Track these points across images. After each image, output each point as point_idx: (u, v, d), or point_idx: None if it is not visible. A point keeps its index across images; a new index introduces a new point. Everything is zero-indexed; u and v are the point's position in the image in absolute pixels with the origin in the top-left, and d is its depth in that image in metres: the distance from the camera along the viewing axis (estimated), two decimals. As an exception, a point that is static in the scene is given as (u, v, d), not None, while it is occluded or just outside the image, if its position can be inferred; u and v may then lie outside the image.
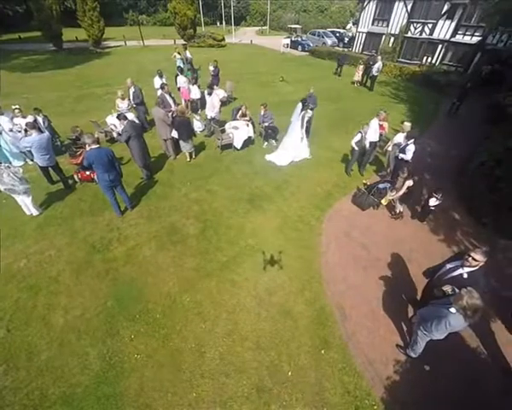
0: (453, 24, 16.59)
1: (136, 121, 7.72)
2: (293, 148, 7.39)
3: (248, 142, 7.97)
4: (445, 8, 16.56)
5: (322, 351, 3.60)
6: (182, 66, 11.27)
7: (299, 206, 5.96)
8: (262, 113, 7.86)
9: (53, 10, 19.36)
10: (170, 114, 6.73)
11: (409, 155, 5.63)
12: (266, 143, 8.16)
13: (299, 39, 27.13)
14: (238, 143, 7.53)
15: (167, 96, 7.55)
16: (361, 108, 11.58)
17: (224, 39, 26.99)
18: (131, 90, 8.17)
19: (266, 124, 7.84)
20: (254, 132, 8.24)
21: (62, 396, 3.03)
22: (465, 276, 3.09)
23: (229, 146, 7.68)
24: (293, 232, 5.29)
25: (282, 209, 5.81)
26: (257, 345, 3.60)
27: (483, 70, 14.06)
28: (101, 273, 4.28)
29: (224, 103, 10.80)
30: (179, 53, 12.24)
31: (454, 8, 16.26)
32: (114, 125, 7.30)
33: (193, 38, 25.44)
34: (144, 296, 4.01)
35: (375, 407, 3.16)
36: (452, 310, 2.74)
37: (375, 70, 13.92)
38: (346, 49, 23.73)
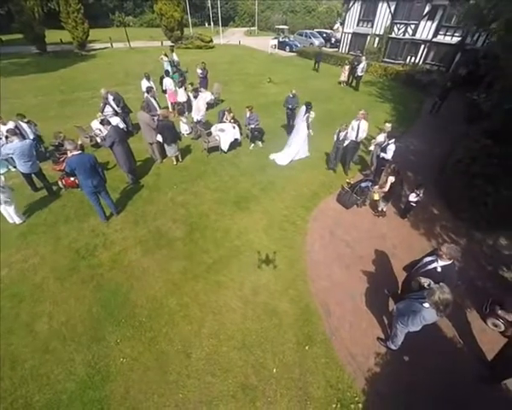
0: (434, 25, 17.07)
1: (122, 125, 7.67)
2: (297, 148, 7.64)
3: (235, 144, 8.04)
4: (427, 9, 17.02)
5: (307, 347, 3.70)
6: (169, 68, 11.21)
7: (285, 206, 6.07)
8: (248, 115, 7.94)
9: (35, 12, 18.93)
10: (156, 118, 6.72)
11: (389, 155, 5.82)
12: (253, 144, 8.25)
13: (287, 40, 27.34)
14: (225, 146, 7.59)
15: (152, 100, 7.54)
16: (347, 108, 11.78)
17: (211, 40, 26.95)
18: (110, 98, 7.93)
19: (252, 126, 7.93)
20: (241, 134, 8.32)
21: (47, 404, 3.04)
22: (439, 269, 3.26)
23: (216, 148, 7.73)
24: (278, 232, 5.39)
25: (268, 210, 5.91)
26: (242, 344, 3.68)
27: (460, 70, 14.54)
28: (86, 279, 4.27)
29: (211, 106, 10.86)
30: (166, 55, 12.18)
31: (435, 10, 16.74)
32: (100, 130, 7.24)
33: (180, 40, 25.32)
34: (130, 301, 4.03)
35: (357, 399, 3.28)
36: (426, 305, 2.89)
37: (359, 70, 14.21)
38: (329, 50, 24.14)
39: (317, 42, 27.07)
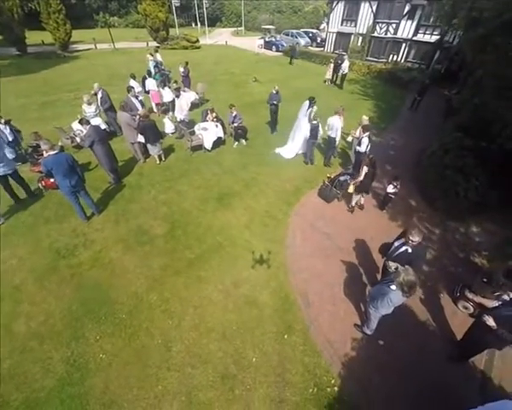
0: (414, 24, 17.60)
1: (103, 126, 7.63)
2: (301, 142, 7.83)
3: (219, 142, 8.10)
4: (406, 8, 17.52)
5: (286, 336, 3.81)
6: (153, 68, 11.17)
7: (268, 202, 6.17)
8: (233, 114, 8.01)
9: (14, 13, 18.46)
10: (137, 117, 6.71)
11: (363, 147, 6.01)
12: (237, 143, 8.33)
13: (273, 40, 27.54)
14: (208, 144, 7.65)
15: (133, 100, 7.52)
16: (331, 106, 11.94)
17: (198, 41, 26.89)
18: (99, 95, 8.03)
19: (236, 124, 8.01)
20: (225, 133, 8.39)
21: (25, 401, 3.04)
22: (409, 251, 3.43)
23: (200, 147, 7.77)
24: (260, 227, 5.50)
25: (251, 206, 6.00)
26: (223, 336, 3.76)
27: (436, 67, 15.05)
28: (66, 279, 4.26)
29: (196, 105, 10.89)
30: (152, 55, 12.12)
31: (414, 9, 17.24)
32: (81, 131, 7.17)
33: (166, 40, 25.16)
34: (110, 298, 4.04)
35: (333, 382, 3.41)
36: (393, 287, 3.04)
37: (343, 69, 14.49)
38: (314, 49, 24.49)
39: (303, 41, 27.38)
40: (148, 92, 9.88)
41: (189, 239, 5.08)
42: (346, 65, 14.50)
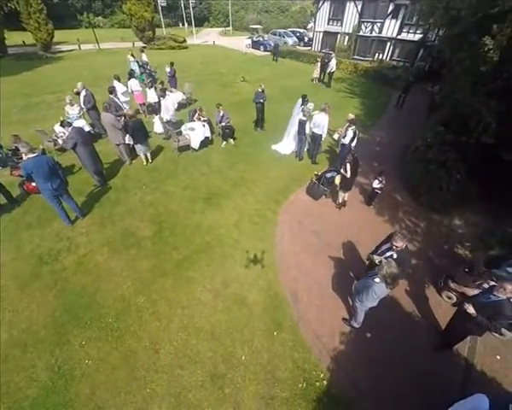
0: (398, 23, 17.96)
1: (87, 128, 7.47)
2: (295, 138, 7.96)
3: (206, 142, 8.06)
4: (390, 8, 17.87)
5: (275, 333, 3.83)
6: (135, 69, 11.00)
7: (256, 200, 6.18)
8: (220, 113, 7.99)
9: (-8, 13, 17.85)
10: (121, 118, 6.59)
11: (346, 140, 6.11)
12: (225, 142, 8.31)
13: (261, 39, 27.57)
14: (195, 144, 7.60)
15: (117, 100, 7.39)
16: (319, 104, 12.00)
17: (185, 41, 26.66)
18: (82, 94, 7.84)
19: (223, 124, 7.99)
20: (213, 133, 8.35)
21: (7, 412, 2.95)
22: (394, 256, 3.49)
23: (187, 147, 7.71)
24: (249, 226, 5.50)
25: (239, 205, 6.00)
26: (212, 335, 3.74)
27: (420, 65, 15.44)
28: (49, 285, 4.14)
29: (183, 105, 10.80)
30: (133, 55, 11.92)
31: (398, 9, 17.60)
32: (64, 133, 6.99)
33: (152, 41, 24.82)
34: (96, 303, 3.97)
35: (322, 376, 3.45)
36: (376, 280, 3.11)
37: (330, 67, 14.66)
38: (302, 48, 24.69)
39: (290, 41, 27.56)
40: (132, 93, 9.70)
41: (177, 240, 5.04)
42: (333, 63, 14.67)
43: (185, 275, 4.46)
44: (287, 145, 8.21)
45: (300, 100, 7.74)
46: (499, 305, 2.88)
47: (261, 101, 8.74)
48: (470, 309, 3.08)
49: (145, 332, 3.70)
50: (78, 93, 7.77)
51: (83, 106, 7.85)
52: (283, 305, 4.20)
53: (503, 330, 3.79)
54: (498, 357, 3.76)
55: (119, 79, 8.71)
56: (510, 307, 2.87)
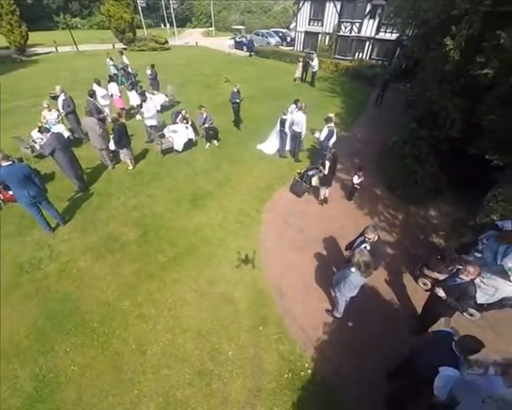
0: (376, 23, 18.50)
1: (67, 134, 7.32)
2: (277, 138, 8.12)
3: (190, 144, 8.07)
4: (368, 8, 18.37)
5: (261, 328, 3.94)
6: (116, 72, 10.82)
7: (241, 200, 6.27)
8: (203, 115, 8.01)
9: (-40, 15, 17.02)
10: (104, 123, 6.50)
11: (322, 137, 6.32)
12: (209, 143, 8.34)
13: (244, 40, 27.63)
14: (179, 146, 7.60)
15: (97, 103, 7.27)
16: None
17: (167, 42, 26.35)
18: (61, 97, 7.65)
19: (207, 125, 8.02)
20: (197, 135, 8.37)
21: (-10, 424, 2.91)
22: (368, 248, 3.67)
23: (171, 150, 7.70)
24: (234, 225, 5.58)
25: (224, 205, 6.07)
26: (198, 334, 3.81)
27: (397, 63, 16.02)
28: (31, 294, 4.08)
29: (166, 108, 10.73)
30: (111, 58, 11.72)
31: (375, 9, 18.13)
32: (41, 139, 6.81)
33: (133, 42, 24.37)
34: (80, 309, 3.94)
35: (306, 366, 3.59)
36: (352, 269, 3.27)
37: (313, 66, 14.93)
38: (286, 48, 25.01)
39: (273, 41, 27.77)
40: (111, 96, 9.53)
41: (162, 242, 5.06)
42: (315, 63, 14.92)
43: (171, 276, 4.49)
44: (271, 145, 8.36)
45: (293, 105, 7.94)
46: (464, 287, 3.11)
47: (237, 101, 8.89)
48: (440, 293, 3.30)
49: (131, 335, 3.72)
50: (55, 97, 7.56)
51: (62, 110, 7.67)
52: (269, 301, 4.31)
53: (473, 310, 4.10)
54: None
55: (99, 83, 8.55)
56: (474, 287, 3.10)
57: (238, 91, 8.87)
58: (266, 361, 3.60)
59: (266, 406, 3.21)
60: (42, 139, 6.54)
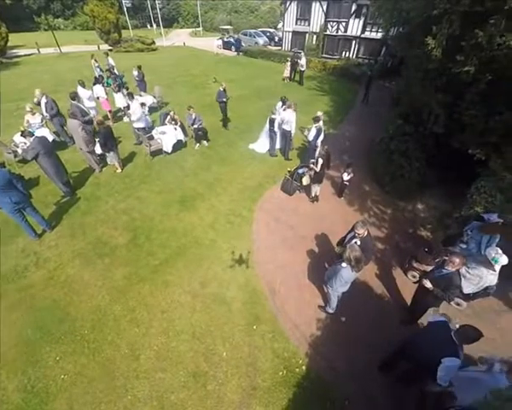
0: (361, 22, 18.80)
1: (51, 137, 7.13)
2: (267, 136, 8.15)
3: (179, 145, 8.00)
4: (353, 8, 18.65)
5: (254, 327, 3.95)
6: (101, 74, 10.61)
7: (232, 200, 6.26)
8: (192, 115, 7.95)
9: None
10: (90, 125, 6.36)
11: (310, 137, 6.39)
12: (198, 144, 8.29)
13: (232, 40, 27.57)
14: (168, 148, 7.52)
15: (80, 105, 7.11)
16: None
17: (154, 43, 25.98)
18: (43, 101, 7.45)
19: (196, 126, 7.96)
20: (186, 136, 8.30)
21: (-24, 440, 2.81)
22: (358, 243, 3.73)
23: (160, 152, 7.61)
24: (225, 225, 5.57)
25: (215, 206, 6.04)
26: (192, 336, 3.78)
27: (383, 62, 16.34)
28: (16, 303, 3.95)
29: (155, 109, 10.59)
30: (96, 60, 11.47)
31: (360, 8, 18.42)
32: (24, 143, 6.61)
33: (119, 43, 23.91)
34: (69, 316, 3.85)
35: (301, 362, 3.62)
36: (343, 265, 3.32)
37: (301, 65, 15.04)
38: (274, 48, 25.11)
39: (261, 41, 27.81)
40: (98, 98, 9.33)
41: (153, 245, 4.99)
42: (303, 62, 15.03)
43: (163, 279, 4.44)
44: (263, 144, 8.39)
45: (280, 102, 7.98)
46: (450, 277, 3.20)
47: (224, 100, 8.88)
48: (428, 284, 3.39)
49: (123, 340, 3.66)
50: (38, 103, 7.35)
51: (45, 113, 7.47)
52: (262, 299, 4.32)
53: (459, 300, 4.23)
54: (457, 326, 4.14)
55: (83, 85, 8.36)
56: (459, 277, 3.21)
57: (224, 90, 8.87)
58: (261, 360, 3.62)
59: (262, 404, 3.22)
60: (25, 143, 6.37)
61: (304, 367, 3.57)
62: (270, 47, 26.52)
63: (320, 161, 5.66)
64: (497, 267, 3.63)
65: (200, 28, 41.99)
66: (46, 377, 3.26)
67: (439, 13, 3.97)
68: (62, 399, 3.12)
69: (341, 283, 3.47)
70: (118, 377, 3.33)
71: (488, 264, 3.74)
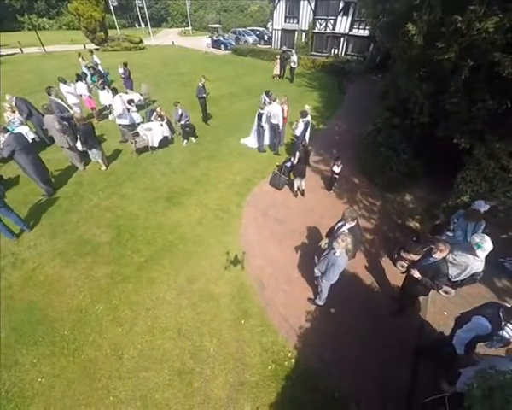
0: (349, 19, 18.92)
1: (32, 135, 6.89)
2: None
3: (166, 142, 7.84)
4: (341, 5, 18.76)
5: (242, 321, 3.86)
6: (85, 71, 10.34)
7: (220, 196, 6.16)
8: (179, 111, 7.80)
9: None
10: (62, 119, 6.13)
11: (297, 132, 6.35)
12: (186, 141, 8.15)
13: (222, 39, 27.43)
14: (154, 144, 7.35)
15: (58, 100, 6.88)
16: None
17: (141, 42, 25.58)
18: (13, 104, 7.17)
19: (183, 122, 7.82)
20: (173, 132, 8.15)
21: None
22: (346, 231, 3.68)
23: (146, 149, 7.44)
24: (213, 221, 5.46)
25: (203, 202, 5.93)
26: (178, 333, 3.67)
27: (372, 57, 16.51)
28: (-9, 305, 3.77)
29: (142, 106, 10.38)
30: (83, 59, 11.18)
31: (348, 6, 18.55)
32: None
33: (105, 42, 23.44)
34: (48, 317, 3.68)
35: (290, 355, 3.55)
36: (337, 254, 3.27)
37: (293, 62, 15.03)
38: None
39: (250, 39, 27.78)
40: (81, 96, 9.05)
41: (138, 243, 4.85)
42: (294, 59, 15.03)
43: (148, 276, 4.31)
44: (254, 139, 8.33)
45: (264, 95, 7.99)
46: (437, 265, 3.18)
47: (203, 95, 8.80)
48: (416, 274, 3.36)
49: (106, 340, 3.52)
50: (10, 108, 7.05)
51: (20, 116, 7.19)
52: (250, 294, 4.24)
53: (448, 288, 4.23)
54: (445, 313, 4.15)
55: (64, 81, 8.10)
56: (446, 265, 3.19)
57: (203, 86, 8.79)
58: (249, 355, 3.53)
59: (249, 399, 3.14)
60: None
61: (293, 360, 3.50)
62: (259, 46, 26.47)
63: (297, 154, 5.65)
64: (483, 254, 3.63)
65: (190, 27, 41.64)
66: (22, 381, 3.10)
67: (420, 0, 3.97)
68: (39, 403, 2.96)
69: (338, 272, 3.41)
70: (99, 378, 3.19)
71: (474, 250, 3.74)
